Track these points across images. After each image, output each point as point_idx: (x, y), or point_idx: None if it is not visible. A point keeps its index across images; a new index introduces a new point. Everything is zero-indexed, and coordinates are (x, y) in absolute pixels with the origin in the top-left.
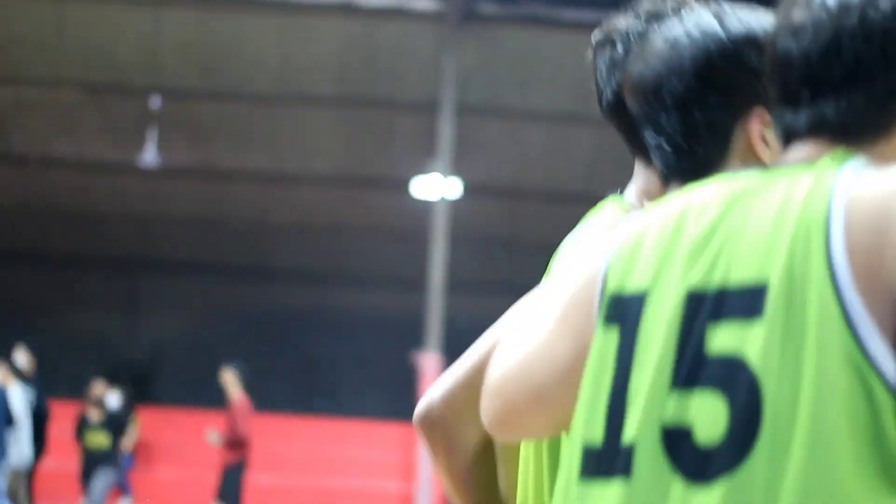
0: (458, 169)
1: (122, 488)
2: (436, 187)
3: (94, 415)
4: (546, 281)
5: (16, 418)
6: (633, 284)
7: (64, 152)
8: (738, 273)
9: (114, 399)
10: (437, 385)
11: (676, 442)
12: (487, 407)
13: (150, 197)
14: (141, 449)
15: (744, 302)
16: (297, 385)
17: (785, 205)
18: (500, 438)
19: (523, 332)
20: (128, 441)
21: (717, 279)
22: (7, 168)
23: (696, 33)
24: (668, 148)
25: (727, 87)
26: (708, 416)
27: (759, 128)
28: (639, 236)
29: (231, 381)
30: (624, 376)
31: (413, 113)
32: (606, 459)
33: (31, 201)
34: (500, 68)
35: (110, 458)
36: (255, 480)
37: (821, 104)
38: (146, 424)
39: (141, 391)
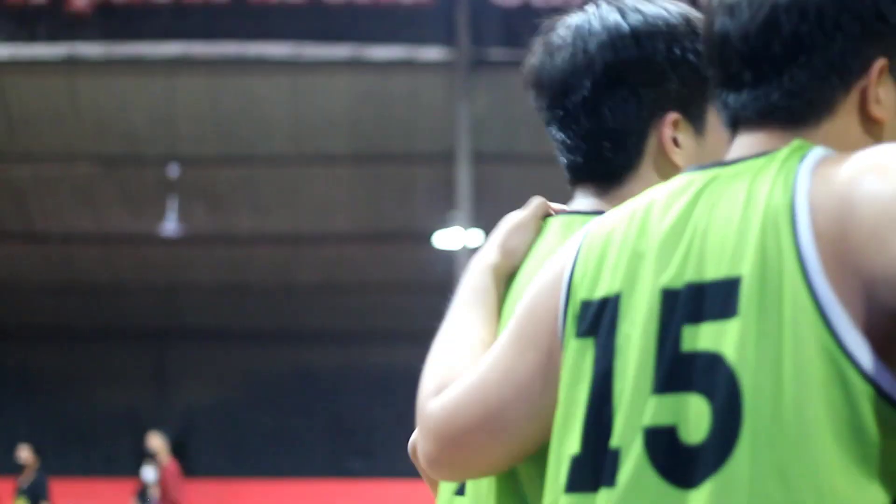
0: (478, 217)
1: None
2: (458, 238)
3: (22, 481)
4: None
5: None
6: (603, 288)
7: (84, 226)
8: (711, 269)
9: (150, 472)
10: None
11: (661, 446)
12: (432, 441)
13: (173, 266)
14: None
15: (718, 298)
16: (330, 447)
17: (750, 197)
18: (443, 476)
19: (464, 357)
20: None
21: (689, 276)
22: (29, 245)
23: (599, 28)
24: (575, 150)
25: (636, 86)
26: (690, 417)
27: (670, 131)
28: (603, 239)
29: (160, 446)
30: (604, 384)
31: (430, 164)
32: (592, 470)
33: (54, 277)
34: (512, 114)
35: None
36: None
37: (765, 86)
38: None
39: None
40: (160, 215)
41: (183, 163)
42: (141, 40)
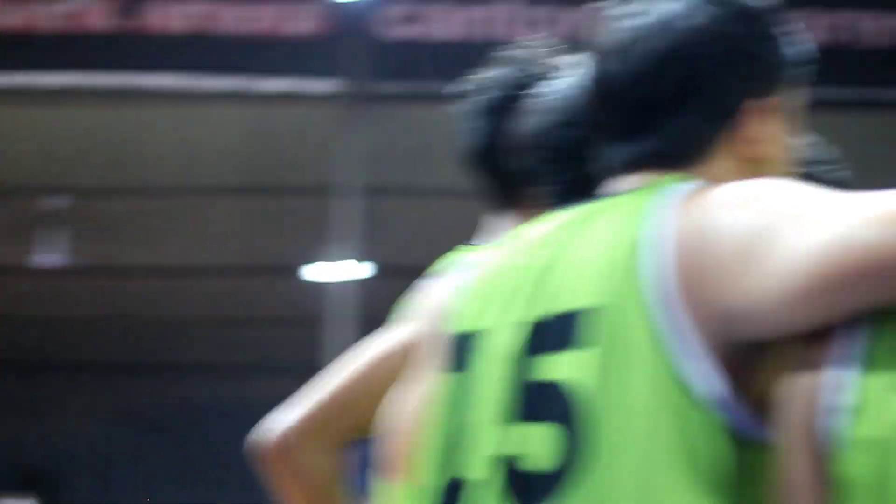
0: (368, 250)
1: None
2: (336, 271)
3: None
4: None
5: None
6: (469, 325)
7: None
8: (562, 301)
9: None
10: (284, 414)
11: (511, 475)
12: None
13: (52, 298)
14: None
15: (567, 329)
16: (205, 480)
17: (604, 232)
18: None
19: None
20: None
21: (542, 309)
22: None
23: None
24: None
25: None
26: (538, 446)
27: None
28: (477, 278)
29: None
30: (460, 416)
31: (310, 197)
32: (447, 500)
33: None
34: (402, 147)
35: None
36: None
37: (648, 134)
38: None
39: (53, 498)
40: (39, 246)
41: (65, 193)
42: (22, 70)
